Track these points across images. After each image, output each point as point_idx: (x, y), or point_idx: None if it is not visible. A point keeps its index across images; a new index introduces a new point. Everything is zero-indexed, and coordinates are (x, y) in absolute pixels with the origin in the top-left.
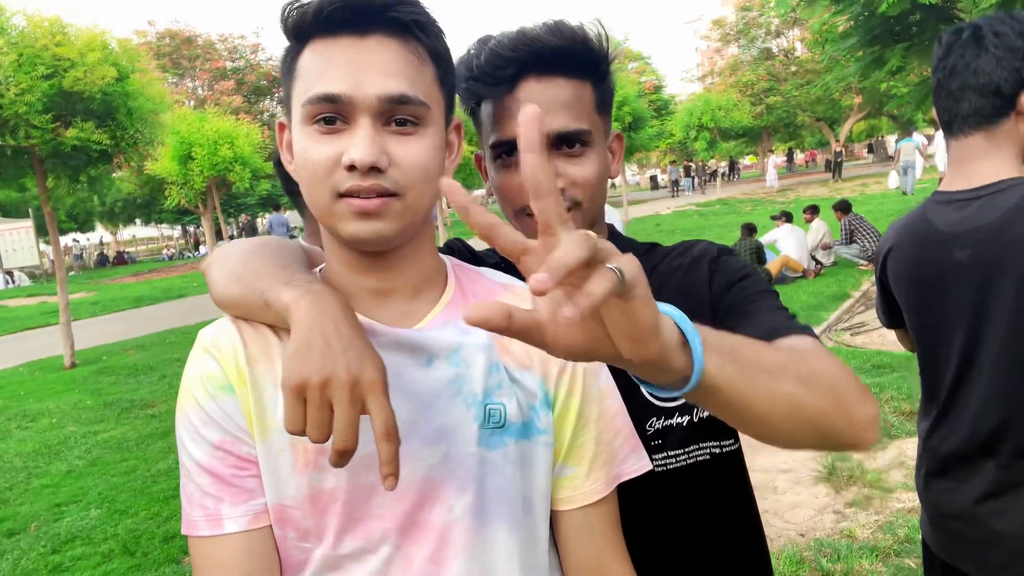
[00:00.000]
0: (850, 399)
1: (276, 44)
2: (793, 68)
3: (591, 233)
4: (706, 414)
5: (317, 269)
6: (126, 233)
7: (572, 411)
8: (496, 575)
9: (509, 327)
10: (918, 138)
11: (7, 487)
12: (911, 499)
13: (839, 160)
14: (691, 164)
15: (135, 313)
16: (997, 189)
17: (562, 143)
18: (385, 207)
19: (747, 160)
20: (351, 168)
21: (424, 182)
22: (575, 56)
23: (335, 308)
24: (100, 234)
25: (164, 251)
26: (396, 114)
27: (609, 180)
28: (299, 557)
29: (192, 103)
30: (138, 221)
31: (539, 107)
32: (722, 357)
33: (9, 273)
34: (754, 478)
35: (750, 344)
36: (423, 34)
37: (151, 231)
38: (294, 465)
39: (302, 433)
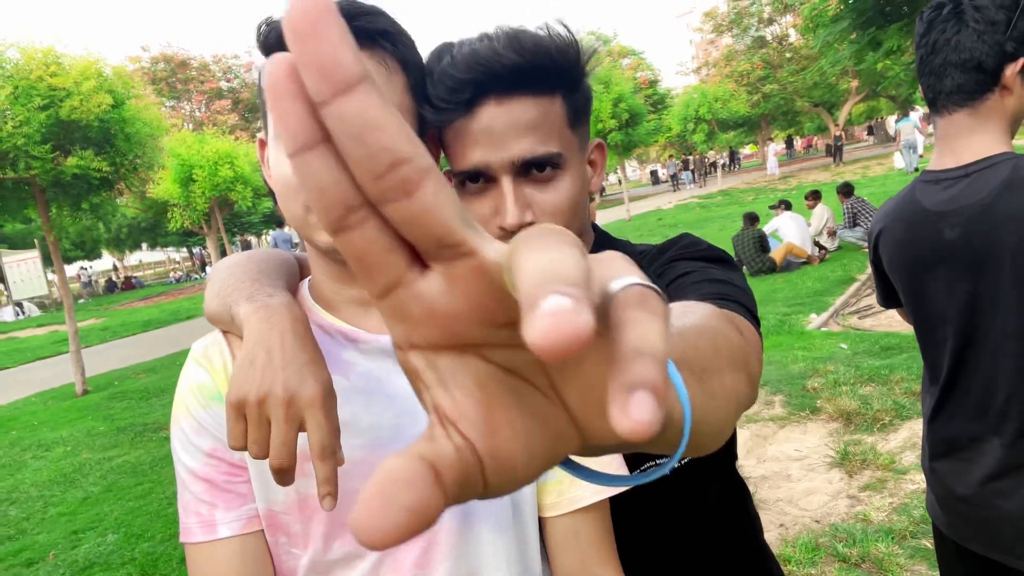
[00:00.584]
0: (756, 365)
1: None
2: (788, 55)
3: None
4: None
5: (306, 280)
6: (132, 258)
7: None
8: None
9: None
10: (914, 116)
11: (24, 517)
12: (924, 480)
13: (839, 144)
14: (689, 157)
15: (145, 337)
16: (985, 166)
17: (530, 168)
18: None
19: (747, 150)
20: None
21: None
22: (538, 70)
23: (285, 322)
24: (111, 261)
25: (171, 274)
26: None
27: (593, 191)
28: (290, 563)
29: (190, 126)
30: (144, 246)
31: (501, 132)
32: (693, 382)
33: (19, 304)
34: (766, 467)
35: (693, 336)
36: (390, 44)
37: (157, 255)
38: None
39: (243, 449)
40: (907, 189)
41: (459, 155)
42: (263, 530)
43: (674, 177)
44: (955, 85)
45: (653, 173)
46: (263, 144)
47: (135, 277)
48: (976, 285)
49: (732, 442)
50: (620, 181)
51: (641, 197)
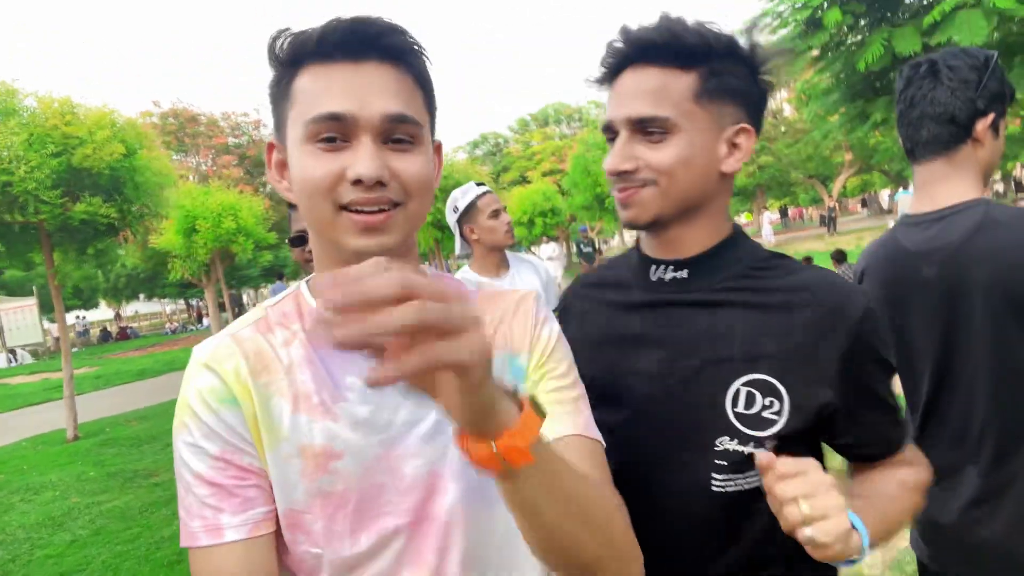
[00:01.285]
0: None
1: None
2: (783, 128)
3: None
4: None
5: (304, 281)
6: (128, 309)
7: (536, 370)
8: (488, 557)
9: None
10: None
11: (10, 559)
12: None
13: (833, 215)
14: None
15: (138, 386)
16: (958, 210)
17: (641, 127)
18: (389, 220)
19: (743, 218)
20: (356, 183)
21: (424, 192)
22: (666, 47)
23: None
24: (106, 311)
25: (167, 325)
26: (395, 133)
27: (729, 172)
28: (310, 562)
29: (195, 178)
30: (141, 296)
31: (627, 94)
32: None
33: (12, 351)
34: None
35: (891, 515)
36: (414, 62)
37: (154, 306)
38: (303, 471)
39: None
40: (889, 231)
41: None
42: (270, 534)
43: None
44: (931, 136)
45: None
46: (272, 147)
47: (130, 327)
48: (951, 319)
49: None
50: (624, 243)
51: None
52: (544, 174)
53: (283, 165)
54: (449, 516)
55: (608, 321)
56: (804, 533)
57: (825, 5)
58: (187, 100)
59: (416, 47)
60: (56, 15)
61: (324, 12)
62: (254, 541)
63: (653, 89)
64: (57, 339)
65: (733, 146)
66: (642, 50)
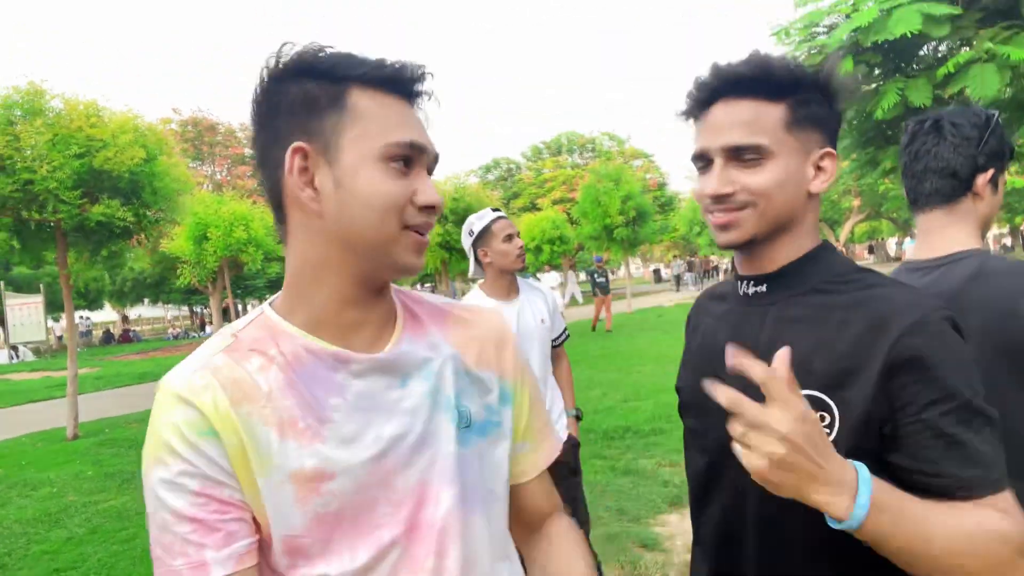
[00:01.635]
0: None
1: None
2: None
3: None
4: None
5: (268, 304)
6: (132, 312)
7: (526, 399)
8: (480, 558)
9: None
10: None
11: (6, 552)
12: None
13: None
14: (693, 260)
15: (138, 388)
16: (957, 259)
17: (737, 155)
18: (427, 243)
19: None
20: (427, 209)
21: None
22: (756, 81)
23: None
24: (111, 314)
25: (169, 330)
26: (432, 168)
27: (816, 192)
28: None
29: (210, 187)
30: (146, 300)
31: (721, 125)
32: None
33: (15, 348)
34: None
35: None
36: (429, 99)
37: (157, 311)
38: (296, 497)
39: None
40: (892, 275)
41: (696, 142)
42: (253, 567)
43: (678, 278)
44: (933, 188)
45: (656, 271)
46: (300, 151)
47: (132, 330)
48: None
49: None
50: (624, 275)
51: (644, 293)
52: (554, 202)
53: (305, 172)
54: (444, 522)
55: (711, 331)
56: (735, 448)
57: (841, 53)
58: (207, 108)
59: (431, 87)
60: (79, 18)
61: (345, 25)
62: (240, 575)
63: (747, 120)
64: (60, 338)
65: (819, 168)
66: (734, 84)
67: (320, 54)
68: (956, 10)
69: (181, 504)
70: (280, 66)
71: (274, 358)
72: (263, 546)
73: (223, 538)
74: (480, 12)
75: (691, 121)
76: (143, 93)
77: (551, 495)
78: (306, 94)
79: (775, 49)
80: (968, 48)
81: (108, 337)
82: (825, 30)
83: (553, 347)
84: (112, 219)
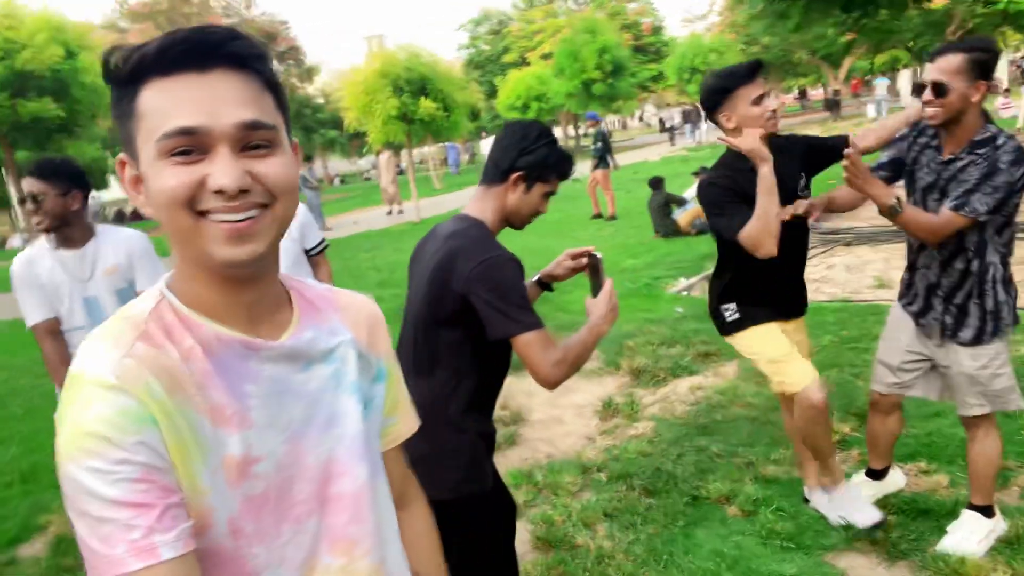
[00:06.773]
0: None
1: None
2: None
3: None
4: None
5: (164, 286)
6: None
7: (394, 375)
8: (386, 521)
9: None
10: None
11: None
12: (639, 429)
13: (837, 99)
14: (688, 108)
15: None
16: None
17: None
18: (257, 225)
19: None
20: (218, 193)
21: (290, 192)
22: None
23: None
24: (118, 191)
25: None
26: (250, 140)
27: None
28: (252, 563)
29: None
30: None
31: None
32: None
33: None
34: (549, 412)
35: None
36: (259, 66)
37: None
38: (229, 481)
39: None
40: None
41: None
42: (194, 551)
43: (670, 130)
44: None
45: (662, 121)
46: (124, 164)
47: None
48: None
49: None
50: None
51: (637, 147)
52: (543, 56)
53: (138, 181)
54: (356, 494)
55: None
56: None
57: None
58: None
59: (260, 51)
60: None
61: None
62: (187, 557)
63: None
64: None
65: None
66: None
67: (112, 57)
68: None
69: (118, 493)
70: (105, 76)
71: (192, 348)
72: (207, 532)
73: (171, 519)
74: None
75: None
76: None
77: (405, 470)
78: (117, 103)
79: None
80: None
81: (120, 216)
82: None
83: (311, 256)
84: (45, 114)
